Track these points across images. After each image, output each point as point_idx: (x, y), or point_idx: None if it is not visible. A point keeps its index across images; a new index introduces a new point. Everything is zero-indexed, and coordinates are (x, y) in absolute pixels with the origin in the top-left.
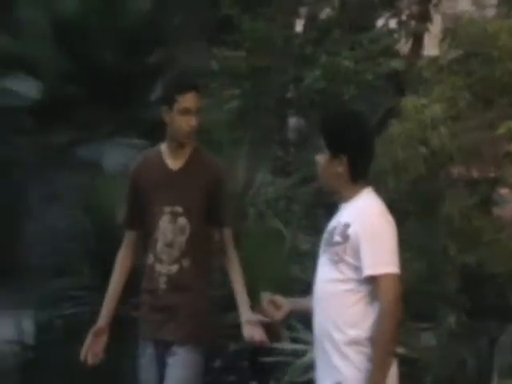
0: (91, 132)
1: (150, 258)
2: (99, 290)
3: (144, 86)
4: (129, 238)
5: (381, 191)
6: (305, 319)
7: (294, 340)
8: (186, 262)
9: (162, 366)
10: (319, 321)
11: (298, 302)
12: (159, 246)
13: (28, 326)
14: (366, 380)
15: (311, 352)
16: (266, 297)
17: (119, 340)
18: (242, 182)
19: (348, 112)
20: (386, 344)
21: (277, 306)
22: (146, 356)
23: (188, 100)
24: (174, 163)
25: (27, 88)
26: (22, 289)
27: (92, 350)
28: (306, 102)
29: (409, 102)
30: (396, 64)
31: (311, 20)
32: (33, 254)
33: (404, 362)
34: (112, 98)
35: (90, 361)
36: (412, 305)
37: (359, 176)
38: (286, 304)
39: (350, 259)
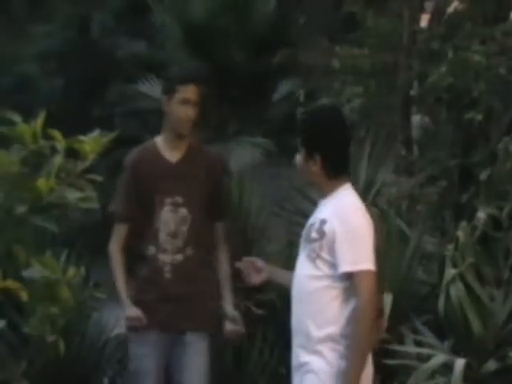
0: (217, 131)
1: (151, 249)
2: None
3: (268, 86)
4: (121, 231)
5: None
6: (430, 323)
7: (419, 344)
8: (189, 251)
9: (164, 355)
10: (297, 317)
11: (277, 273)
12: (162, 236)
13: None
14: (340, 378)
15: (437, 356)
16: (245, 259)
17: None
18: (364, 181)
19: (320, 109)
20: (362, 343)
21: (257, 270)
22: (148, 344)
23: (188, 91)
24: (171, 155)
25: (157, 90)
26: None
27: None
28: (431, 99)
29: None
30: None
31: (438, 14)
32: None
33: None
34: (238, 98)
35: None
36: None
37: (335, 173)
38: (266, 270)
39: (326, 255)
